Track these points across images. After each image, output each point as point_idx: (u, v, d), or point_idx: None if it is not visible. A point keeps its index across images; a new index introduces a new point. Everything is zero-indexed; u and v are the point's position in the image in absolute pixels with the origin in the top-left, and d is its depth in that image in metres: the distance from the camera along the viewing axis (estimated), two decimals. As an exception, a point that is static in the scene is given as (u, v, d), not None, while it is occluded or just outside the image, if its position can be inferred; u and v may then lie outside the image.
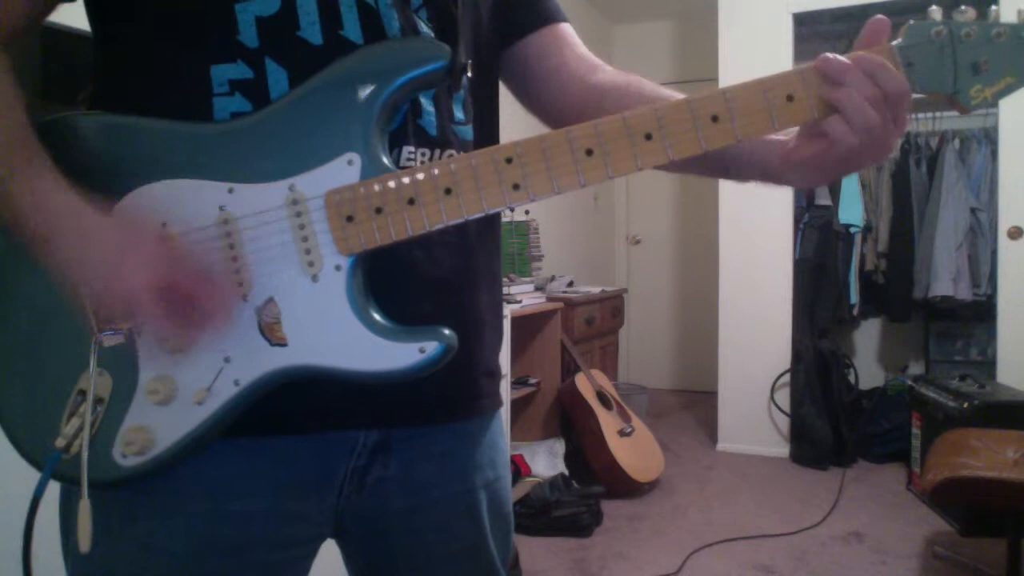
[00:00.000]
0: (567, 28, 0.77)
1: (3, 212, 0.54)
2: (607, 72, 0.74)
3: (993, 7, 0.53)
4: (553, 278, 3.56)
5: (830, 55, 0.54)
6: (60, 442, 0.55)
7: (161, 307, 0.53)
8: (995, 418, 2.47)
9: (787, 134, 0.60)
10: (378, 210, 0.55)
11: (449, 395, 0.68)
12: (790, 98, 0.54)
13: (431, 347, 0.55)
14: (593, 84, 0.73)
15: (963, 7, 0.52)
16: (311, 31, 0.59)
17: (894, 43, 0.53)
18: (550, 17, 0.76)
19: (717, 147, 0.54)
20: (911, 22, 0.53)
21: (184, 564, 0.60)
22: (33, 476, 0.56)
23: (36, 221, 0.53)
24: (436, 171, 0.55)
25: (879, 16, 0.55)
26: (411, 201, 0.55)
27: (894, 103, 0.54)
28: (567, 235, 4.14)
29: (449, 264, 0.66)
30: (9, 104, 0.55)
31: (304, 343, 0.56)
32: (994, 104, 0.52)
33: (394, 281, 0.61)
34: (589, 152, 0.54)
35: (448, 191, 0.55)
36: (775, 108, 0.54)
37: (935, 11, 0.53)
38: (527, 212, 3.22)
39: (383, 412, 0.64)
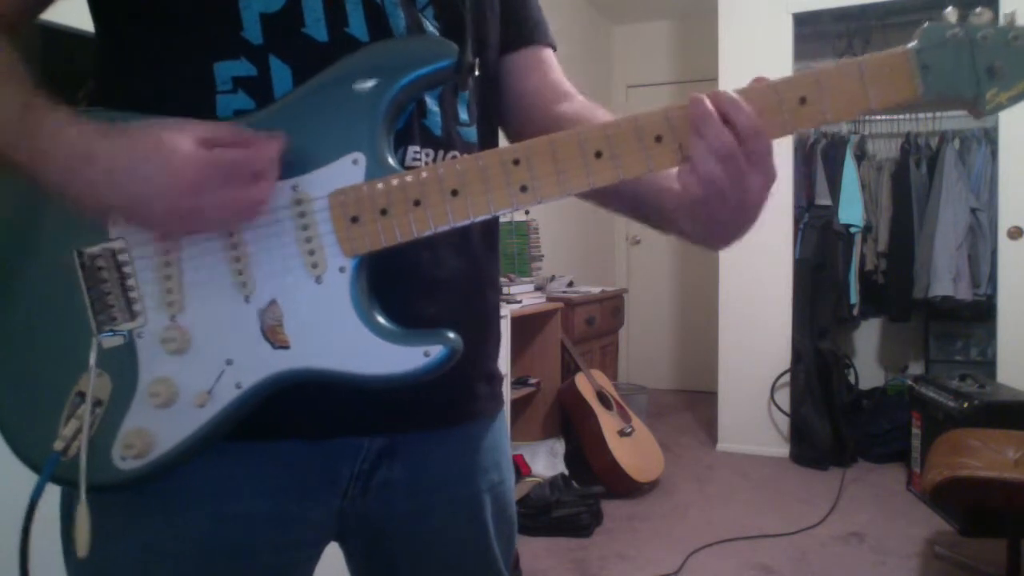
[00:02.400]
0: (547, 53, 0.76)
1: (21, 152, 0.52)
2: (573, 102, 0.73)
3: (1005, 11, 0.52)
4: (553, 278, 3.56)
5: (702, 96, 0.52)
6: (58, 444, 0.54)
7: (211, 194, 0.51)
8: (995, 418, 2.47)
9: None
10: (383, 211, 0.55)
11: (453, 399, 0.67)
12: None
13: (436, 351, 0.55)
14: (551, 115, 0.72)
15: (978, 9, 0.51)
16: (316, 28, 0.58)
17: (910, 45, 0.52)
18: (537, 39, 0.75)
19: (604, 184, 0.53)
20: (926, 24, 0.52)
21: (188, 567, 0.59)
22: (31, 478, 0.55)
23: (64, 150, 0.51)
24: (442, 172, 0.55)
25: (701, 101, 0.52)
26: (417, 202, 0.54)
27: (750, 154, 0.51)
28: (567, 235, 4.13)
29: (454, 266, 0.65)
30: (16, 75, 0.55)
31: (307, 346, 0.55)
32: (1009, 108, 0.51)
33: (398, 283, 0.60)
34: (599, 154, 0.54)
35: (455, 192, 0.54)
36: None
37: (951, 13, 0.52)
38: (527, 212, 3.21)
39: (387, 417, 0.63)
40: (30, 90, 0.54)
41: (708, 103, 0.52)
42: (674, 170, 0.55)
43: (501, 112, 0.75)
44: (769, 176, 0.53)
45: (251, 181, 0.53)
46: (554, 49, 0.78)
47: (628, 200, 0.65)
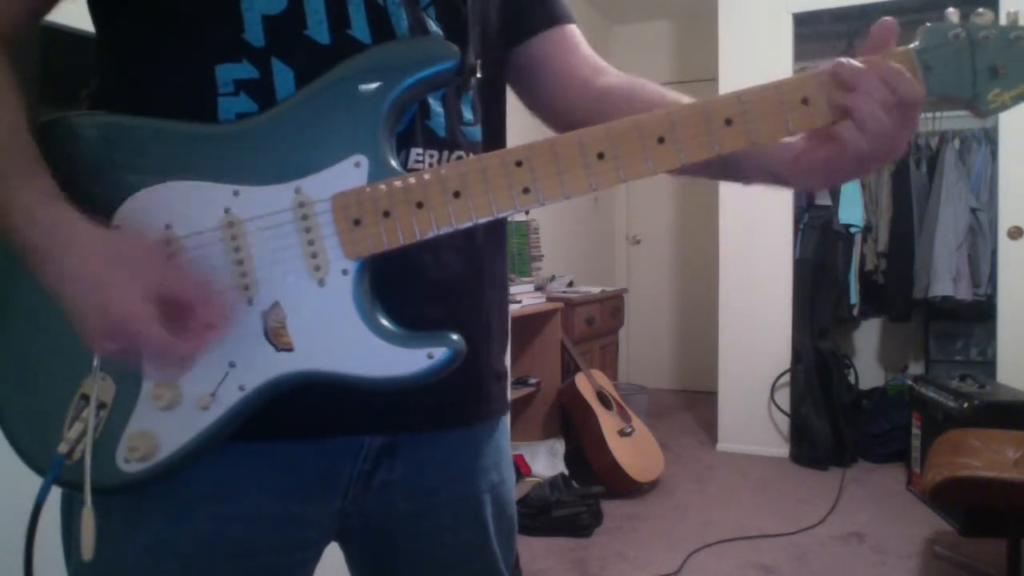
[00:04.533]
0: (573, 29, 0.76)
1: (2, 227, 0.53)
2: (611, 75, 0.73)
3: (1007, 11, 0.52)
4: (553, 278, 3.56)
5: (844, 60, 0.53)
6: (63, 447, 0.54)
7: (158, 317, 0.51)
8: (995, 418, 2.47)
9: (795, 137, 0.60)
10: (386, 213, 0.55)
11: (457, 400, 0.67)
12: (805, 101, 0.53)
13: (439, 353, 0.55)
14: (596, 88, 0.72)
15: (980, 9, 0.51)
16: (318, 30, 0.58)
17: (912, 46, 0.53)
18: (557, 18, 0.75)
19: (730, 151, 0.53)
20: (928, 24, 0.52)
21: (189, 567, 0.59)
22: (35, 481, 0.55)
23: (29, 234, 0.52)
24: (445, 173, 0.55)
25: (887, 18, 0.55)
26: (419, 204, 0.54)
27: (907, 109, 0.53)
28: (567, 235, 4.13)
29: (457, 268, 0.65)
30: (3, 105, 0.54)
31: (310, 348, 0.55)
32: (1012, 107, 0.51)
33: (401, 285, 0.60)
34: (600, 156, 0.54)
35: (457, 194, 0.54)
36: (790, 111, 0.53)
37: (952, 13, 0.52)
38: (527, 212, 3.21)
39: (389, 418, 0.63)
40: (12, 138, 0.54)
41: (858, 61, 0.53)
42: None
43: (536, 99, 0.75)
44: (914, 132, 0.56)
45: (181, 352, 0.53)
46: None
47: (721, 167, 0.64)
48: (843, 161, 0.56)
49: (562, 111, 0.74)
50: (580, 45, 0.76)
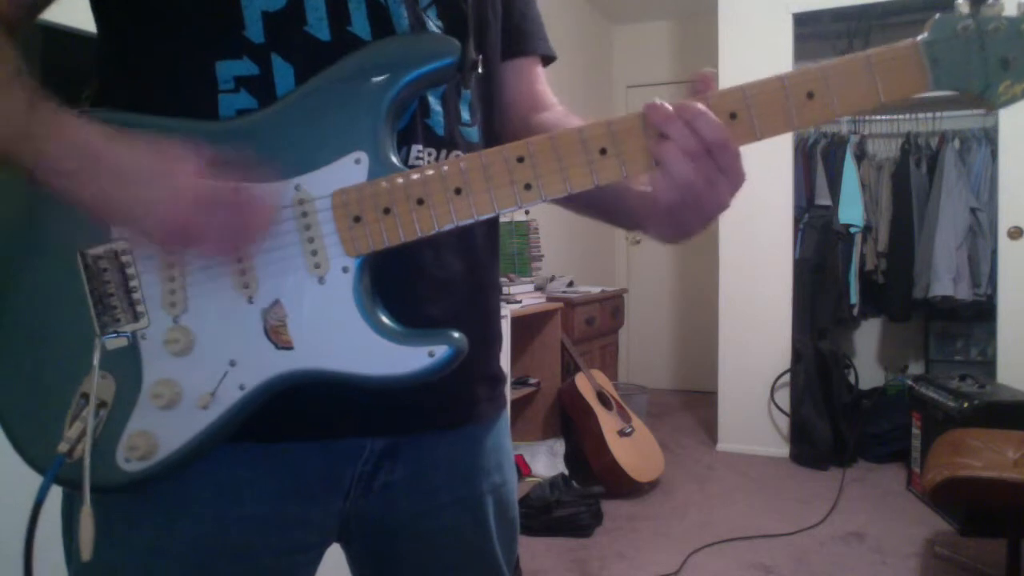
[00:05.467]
0: (535, 64, 0.77)
1: (25, 153, 0.51)
2: (548, 112, 0.75)
3: (1020, 1, 0.51)
4: (553, 278, 3.55)
5: (655, 102, 0.52)
6: (63, 446, 0.54)
7: (212, 215, 0.51)
8: (995, 418, 2.47)
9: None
10: (386, 210, 0.54)
11: (457, 399, 0.67)
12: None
13: (440, 351, 0.54)
14: (530, 123, 0.74)
15: (990, 0, 0.49)
16: (319, 27, 0.58)
17: (919, 38, 0.51)
18: (524, 50, 0.76)
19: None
20: (937, 15, 0.51)
21: (190, 569, 0.59)
22: (35, 480, 0.55)
23: (65, 154, 0.51)
24: (445, 170, 0.54)
25: (707, 70, 0.54)
26: (420, 201, 0.54)
27: (719, 156, 0.51)
28: (567, 235, 4.13)
29: (457, 266, 0.65)
30: (16, 64, 0.54)
31: (310, 346, 0.55)
32: (1022, 100, 0.50)
33: (402, 283, 0.60)
34: (603, 151, 0.53)
35: (458, 191, 0.54)
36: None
37: (962, 4, 0.50)
38: (527, 212, 3.21)
39: (389, 418, 0.63)
40: (35, 91, 0.53)
41: (667, 106, 0.52)
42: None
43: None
44: (738, 181, 0.53)
45: (252, 208, 0.53)
46: (552, 58, 0.78)
47: (600, 204, 0.66)
48: (661, 211, 0.54)
49: (500, 137, 0.74)
50: (536, 81, 0.77)
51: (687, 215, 0.54)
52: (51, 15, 0.62)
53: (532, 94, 0.76)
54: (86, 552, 0.53)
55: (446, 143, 0.63)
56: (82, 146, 0.51)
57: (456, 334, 0.56)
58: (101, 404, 0.55)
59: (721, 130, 0.51)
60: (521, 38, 0.75)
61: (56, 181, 0.52)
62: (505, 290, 2.85)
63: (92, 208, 0.53)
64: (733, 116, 0.53)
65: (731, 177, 0.53)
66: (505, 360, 2.68)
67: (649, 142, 0.52)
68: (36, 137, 0.51)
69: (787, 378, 3.43)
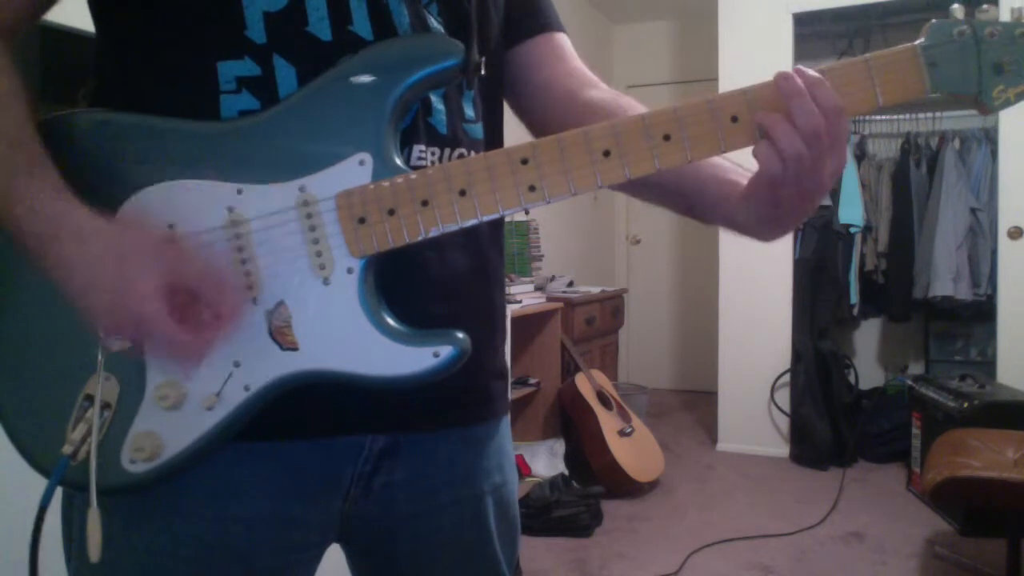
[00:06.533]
0: (563, 39, 0.76)
1: (4, 217, 0.52)
2: (597, 89, 0.72)
3: (1012, 7, 0.52)
4: (553, 278, 3.55)
5: (784, 72, 0.51)
6: (67, 448, 0.54)
7: (167, 311, 0.51)
8: (995, 418, 2.47)
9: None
10: (391, 211, 0.54)
11: (460, 400, 0.67)
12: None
13: (445, 351, 0.54)
14: (580, 100, 0.71)
15: (985, 6, 0.51)
16: (320, 27, 0.58)
17: (917, 42, 0.52)
18: (547, 26, 0.74)
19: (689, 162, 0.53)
20: (933, 21, 0.52)
21: (190, 569, 0.59)
22: (39, 483, 0.55)
23: (35, 226, 0.52)
24: (450, 171, 0.54)
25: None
26: (424, 202, 0.54)
27: (833, 122, 0.51)
28: (567, 235, 4.13)
29: (462, 266, 0.65)
30: (9, 103, 0.54)
31: (315, 347, 0.55)
32: (1017, 104, 0.51)
33: (406, 284, 0.60)
34: (607, 153, 0.53)
35: (463, 192, 0.54)
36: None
37: (957, 9, 0.51)
38: (527, 212, 3.21)
39: (392, 417, 0.63)
40: (20, 131, 0.53)
41: (799, 80, 0.51)
42: (720, 161, 0.55)
43: (521, 104, 0.75)
44: (842, 160, 0.54)
45: (186, 342, 0.53)
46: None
47: (670, 191, 0.65)
48: (761, 186, 0.54)
49: (544, 120, 0.74)
50: (569, 55, 0.75)
51: (787, 191, 0.54)
52: (51, 15, 0.62)
53: (569, 72, 0.73)
54: (95, 553, 0.53)
55: (449, 141, 0.63)
56: (47, 221, 0.52)
57: (460, 334, 0.56)
58: (105, 406, 0.55)
59: (837, 98, 0.51)
60: (543, 15, 0.74)
61: (27, 246, 0.53)
62: (505, 290, 2.85)
63: (56, 281, 0.53)
64: (734, 120, 0.53)
65: (838, 152, 0.52)
66: (505, 360, 2.67)
67: (755, 116, 0.52)
68: (6, 196, 0.52)
69: (787, 378, 3.43)
